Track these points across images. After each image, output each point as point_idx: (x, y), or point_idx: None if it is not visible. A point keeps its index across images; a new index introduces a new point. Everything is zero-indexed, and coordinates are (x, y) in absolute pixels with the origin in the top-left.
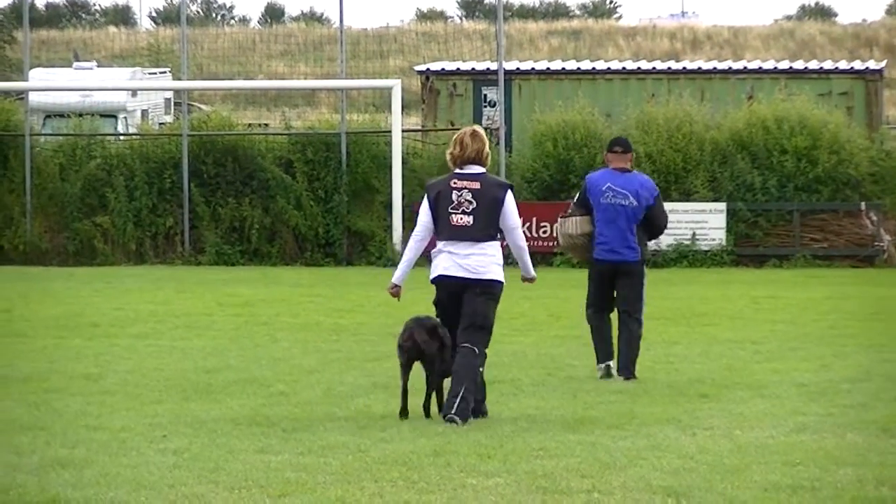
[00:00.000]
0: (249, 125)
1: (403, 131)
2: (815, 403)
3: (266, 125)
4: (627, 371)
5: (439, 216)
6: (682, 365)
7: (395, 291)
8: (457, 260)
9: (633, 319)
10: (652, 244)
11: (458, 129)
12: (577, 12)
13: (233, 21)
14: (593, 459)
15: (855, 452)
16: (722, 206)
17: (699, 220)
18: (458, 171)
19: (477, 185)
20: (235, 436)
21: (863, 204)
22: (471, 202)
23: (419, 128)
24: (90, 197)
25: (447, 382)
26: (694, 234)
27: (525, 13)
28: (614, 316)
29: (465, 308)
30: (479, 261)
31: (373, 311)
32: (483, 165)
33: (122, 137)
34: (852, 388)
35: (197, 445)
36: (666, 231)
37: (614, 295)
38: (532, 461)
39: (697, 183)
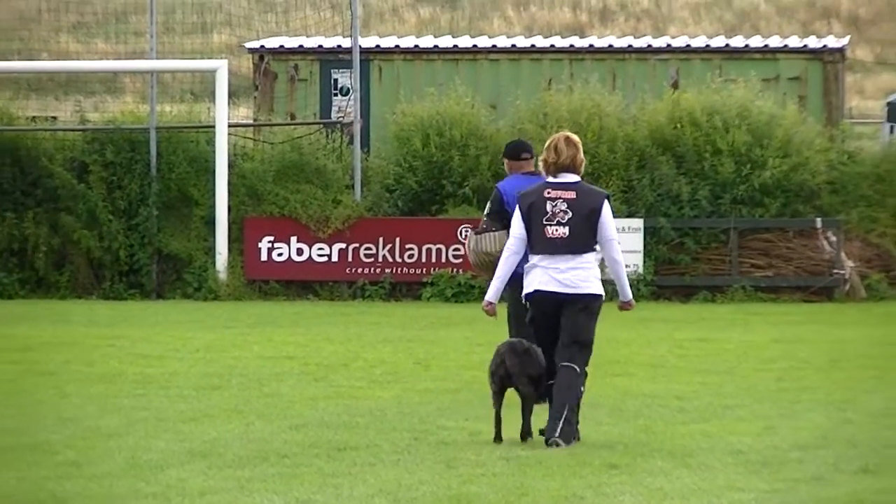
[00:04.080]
0: (33, 119)
1: (230, 126)
2: (757, 476)
3: (54, 118)
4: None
5: (533, 228)
6: (586, 426)
7: (491, 309)
8: (554, 275)
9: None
10: None
11: (300, 123)
12: None
13: None
14: None
15: None
16: (638, 222)
17: None
18: (551, 179)
19: (572, 195)
20: None
21: (819, 221)
22: (566, 212)
23: (251, 122)
24: None
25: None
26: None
27: None
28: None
29: (564, 324)
30: (577, 275)
31: (190, 357)
32: (578, 173)
33: None
34: (804, 458)
35: None
36: None
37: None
38: None
39: None
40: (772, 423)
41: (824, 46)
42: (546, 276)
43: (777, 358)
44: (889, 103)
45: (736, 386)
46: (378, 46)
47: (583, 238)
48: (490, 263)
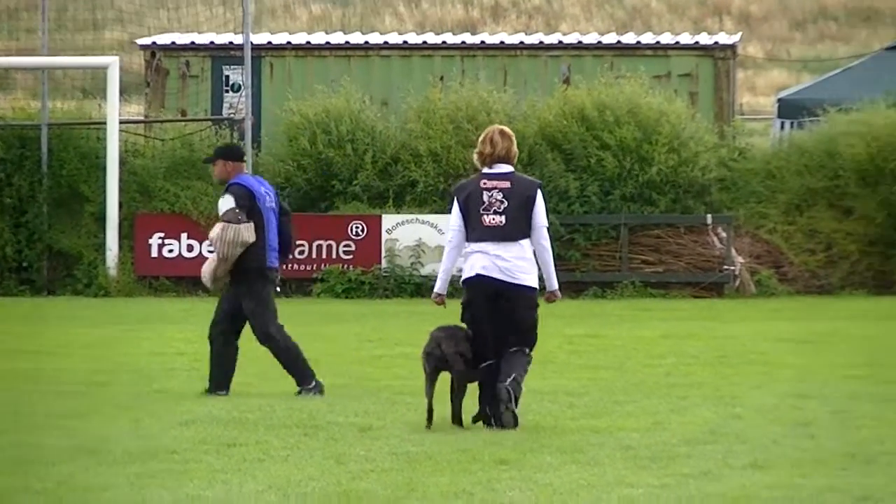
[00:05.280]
0: None
1: (122, 122)
2: (646, 472)
3: None
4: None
5: (470, 218)
6: (475, 423)
7: (440, 300)
8: (496, 262)
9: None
10: (436, 270)
11: (191, 120)
12: None
13: None
14: None
15: None
16: None
17: None
18: (486, 170)
19: (507, 185)
20: None
21: (709, 217)
22: (502, 202)
23: (142, 118)
24: None
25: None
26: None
27: None
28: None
29: (509, 320)
30: (519, 265)
31: (79, 354)
32: (511, 164)
33: None
34: (693, 453)
35: None
36: None
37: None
38: None
39: None
40: (661, 419)
41: (715, 43)
42: (488, 261)
43: (666, 354)
44: (780, 100)
45: (625, 381)
46: (270, 43)
47: (518, 226)
48: (234, 257)
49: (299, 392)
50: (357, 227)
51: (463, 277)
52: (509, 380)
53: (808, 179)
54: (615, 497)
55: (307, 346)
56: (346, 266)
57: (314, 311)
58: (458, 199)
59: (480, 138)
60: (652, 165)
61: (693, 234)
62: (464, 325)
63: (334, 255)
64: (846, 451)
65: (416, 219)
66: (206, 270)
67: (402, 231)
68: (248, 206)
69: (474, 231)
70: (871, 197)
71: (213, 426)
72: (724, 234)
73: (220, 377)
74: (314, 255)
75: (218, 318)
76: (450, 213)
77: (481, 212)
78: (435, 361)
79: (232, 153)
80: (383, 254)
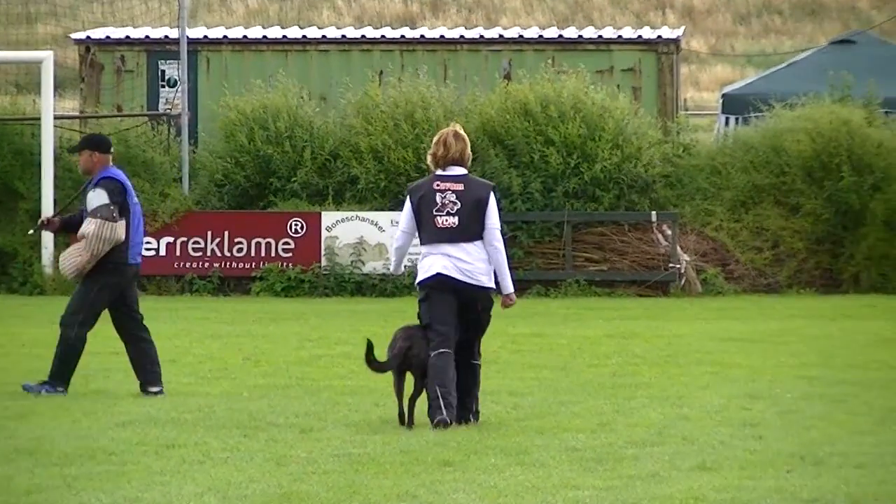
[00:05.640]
0: None
1: (56, 118)
2: (592, 474)
3: None
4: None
5: (423, 220)
6: (419, 424)
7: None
8: (457, 264)
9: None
10: (378, 268)
11: (127, 116)
12: None
13: None
14: None
15: None
16: None
17: None
18: (439, 172)
19: (461, 187)
20: None
21: (654, 214)
22: (455, 203)
23: (77, 114)
24: None
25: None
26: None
27: None
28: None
29: (466, 319)
30: (478, 267)
31: (15, 353)
32: (465, 167)
33: None
34: (640, 454)
35: None
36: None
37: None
38: None
39: None
40: (607, 420)
41: (659, 37)
42: (448, 261)
43: (612, 353)
44: (724, 95)
45: (570, 382)
46: (206, 37)
47: (471, 227)
48: (104, 253)
49: (33, 386)
50: (296, 225)
51: (419, 279)
52: (471, 415)
53: (754, 176)
54: (560, 499)
55: (247, 346)
56: (285, 264)
57: (253, 309)
58: (411, 200)
59: (434, 140)
60: (596, 162)
61: (638, 232)
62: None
63: (273, 253)
64: (795, 452)
65: (357, 216)
66: (73, 264)
67: (343, 229)
68: (121, 203)
69: (426, 232)
70: (818, 194)
71: (151, 427)
72: (669, 232)
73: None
74: (253, 253)
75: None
76: (390, 210)
77: (434, 213)
78: (404, 362)
79: (100, 144)
80: (323, 252)
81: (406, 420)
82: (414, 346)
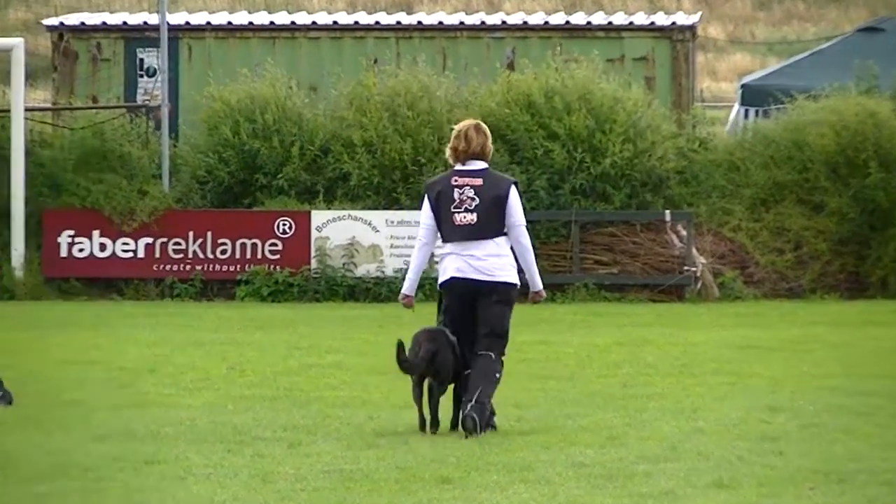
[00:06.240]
0: None
1: (27, 110)
2: (601, 491)
3: None
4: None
5: (442, 217)
6: (416, 438)
7: (408, 302)
8: (471, 262)
9: None
10: (371, 271)
11: (103, 107)
12: None
13: None
14: None
15: None
16: None
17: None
18: (458, 167)
19: (479, 182)
20: None
21: (668, 213)
22: (473, 199)
23: (50, 105)
24: None
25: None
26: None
27: None
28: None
29: (481, 315)
30: (494, 263)
31: None
32: (486, 161)
33: None
34: (653, 470)
35: None
36: (391, 253)
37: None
38: None
39: None
40: (617, 434)
41: (673, 24)
42: (463, 262)
43: (622, 362)
44: (743, 85)
45: (578, 393)
46: (188, 23)
47: (490, 224)
48: None
49: None
50: (284, 225)
51: (439, 281)
52: (470, 405)
53: (775, 172)
54: None
55: (231, 355)
56: (272, 267)
57: (238, 316)
58: (429, 197)
59: (454, 133)
60: (606, 157)
61: (651, 233)
62: (445, 329)
63: (259, 255)
64: (818, 468)
65: (349, 215)
66: None
67: (334, 228)
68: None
69: (446, 230)
70: (843, 191)
71: (129, 441)
72: (684, 233)
73: None
74: (237, 255)
75: None
76: (385, 209)
77: (452, 210)
78: (429, 366)
79: None
80: (313, 253)
81: (429, 425)
82: (440, 350)
